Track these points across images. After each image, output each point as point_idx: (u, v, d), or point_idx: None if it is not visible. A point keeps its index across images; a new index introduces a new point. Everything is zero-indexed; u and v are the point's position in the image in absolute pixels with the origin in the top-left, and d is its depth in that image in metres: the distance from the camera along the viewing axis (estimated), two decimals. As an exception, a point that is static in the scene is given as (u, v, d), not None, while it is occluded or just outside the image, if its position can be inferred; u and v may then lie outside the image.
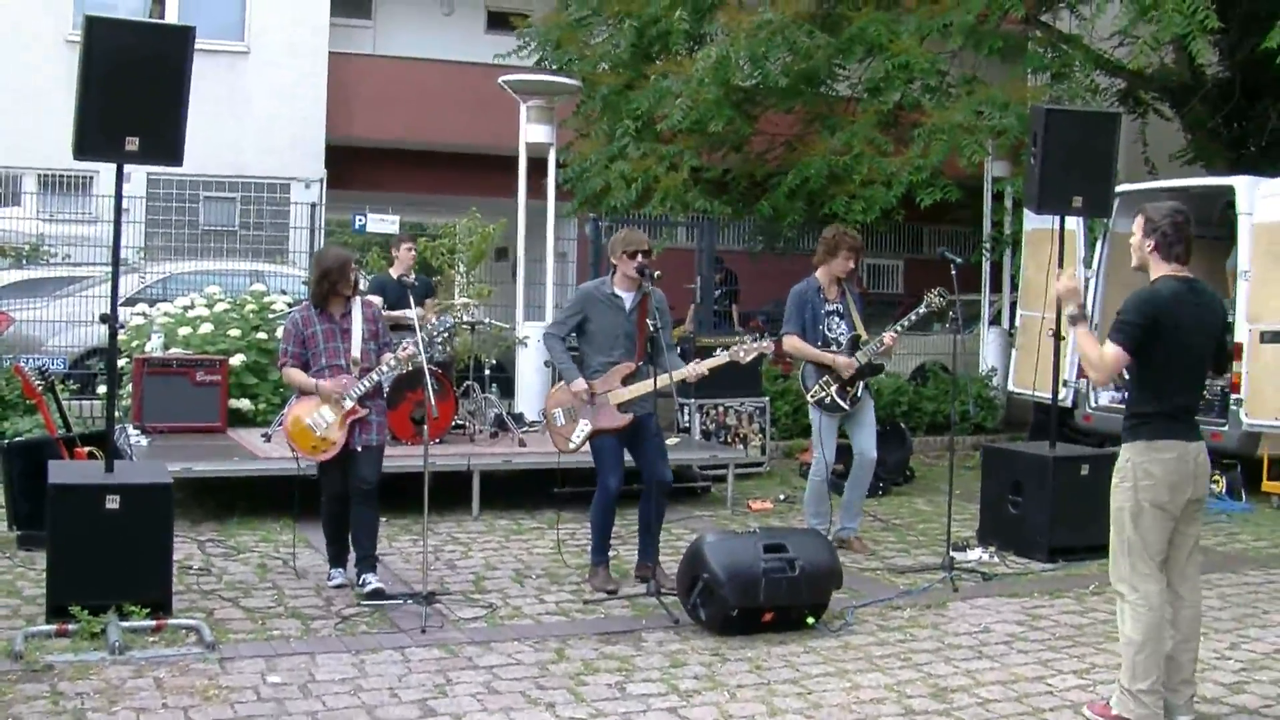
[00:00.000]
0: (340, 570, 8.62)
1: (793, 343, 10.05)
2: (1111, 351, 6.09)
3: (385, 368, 8.41)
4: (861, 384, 10.11)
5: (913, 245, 28.10)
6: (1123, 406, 13.56)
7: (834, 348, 10.03)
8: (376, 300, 11.78)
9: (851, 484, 10.33)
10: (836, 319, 10.15)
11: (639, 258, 8.58)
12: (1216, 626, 8.17)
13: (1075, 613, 8.49)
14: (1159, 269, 6.27)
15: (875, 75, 16.15)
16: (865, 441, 10.19)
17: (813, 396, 10.07)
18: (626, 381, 8.61)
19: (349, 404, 8.32)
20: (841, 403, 10.04)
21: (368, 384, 8.36)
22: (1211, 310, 6.35)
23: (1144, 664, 6.06)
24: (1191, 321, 6.16)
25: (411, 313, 9.08)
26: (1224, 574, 9.73)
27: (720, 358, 8.90)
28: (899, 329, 10.21)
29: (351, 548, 8.64)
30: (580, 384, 8.59)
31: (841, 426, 10.32)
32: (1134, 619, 6.11)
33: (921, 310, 10.25)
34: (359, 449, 8.40)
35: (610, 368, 8.63)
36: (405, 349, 8.44)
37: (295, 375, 8.40)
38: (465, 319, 13.23)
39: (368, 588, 8.34)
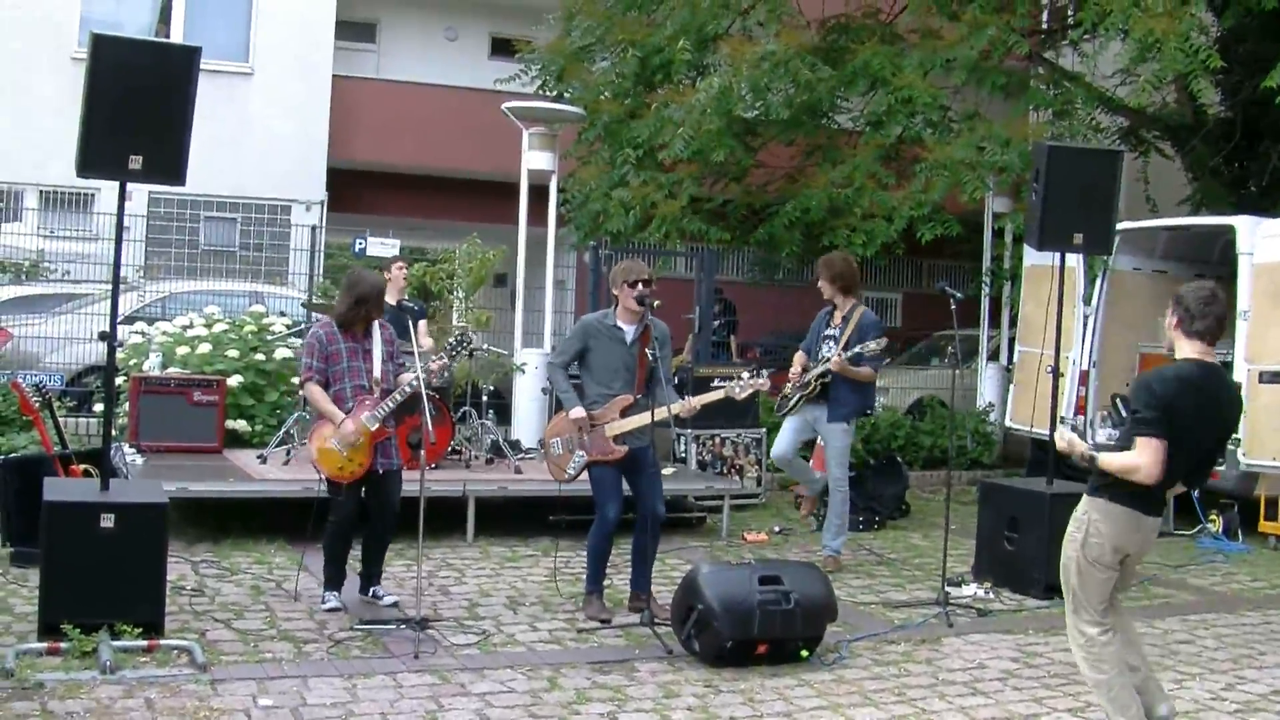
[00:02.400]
0: (335, 594, 8.61)
1: (797, 358, 10.87)
2: (1148, 448, 5.95)
3: (408, 388, 8.42)
4: (800, 396, 10.71)
5: (912, 279, 28.14)
6: (1120, 444, 13.54)
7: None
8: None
9: (829, 505, 10.99)
10: (831, 343, 10.64)
11: (639, 287, 8.59)
12: (1212, 667, 8.17)
13: (1070, 650, 8.45)
14: (1182, 348, 6.22)
15: (877, 108, 16.18)
16: (833, 466, 10.93)
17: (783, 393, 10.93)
18: (625, 414, 8.60)
19: (375, 425, 8.34)
20: (779, 405, 10.99)
21: (393, 404, 8.39)
22: (1220, 405, 6.26)
23: (1119, 698, 6.18)
24: (1196, 413, 6.06)
25: (424, 342, 9.07)
26: (1220, 614, 9.71)
27: (715, 394, 8.98)
28: (841, 356, 10.43)
29: (362, 565, 8.81)
30: (579, 412, 8.59)
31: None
32: (1090, 661, 6.27)
33: (856, 352, 10.47)
34: (381, 471, 8.46)
35: (609, 399, 8.63)
36: (439, 360, 8.66)
37: (318, 395, 8.43)
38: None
39: (388, 598, 8.68)
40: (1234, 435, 6.50)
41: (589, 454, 8.60)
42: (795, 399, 10.70)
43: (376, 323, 8.69)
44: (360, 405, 8.38)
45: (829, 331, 10.70)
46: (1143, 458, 5.95)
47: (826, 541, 10.81)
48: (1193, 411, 6.03)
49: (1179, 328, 6.21)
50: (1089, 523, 6.20)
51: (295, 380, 12.90)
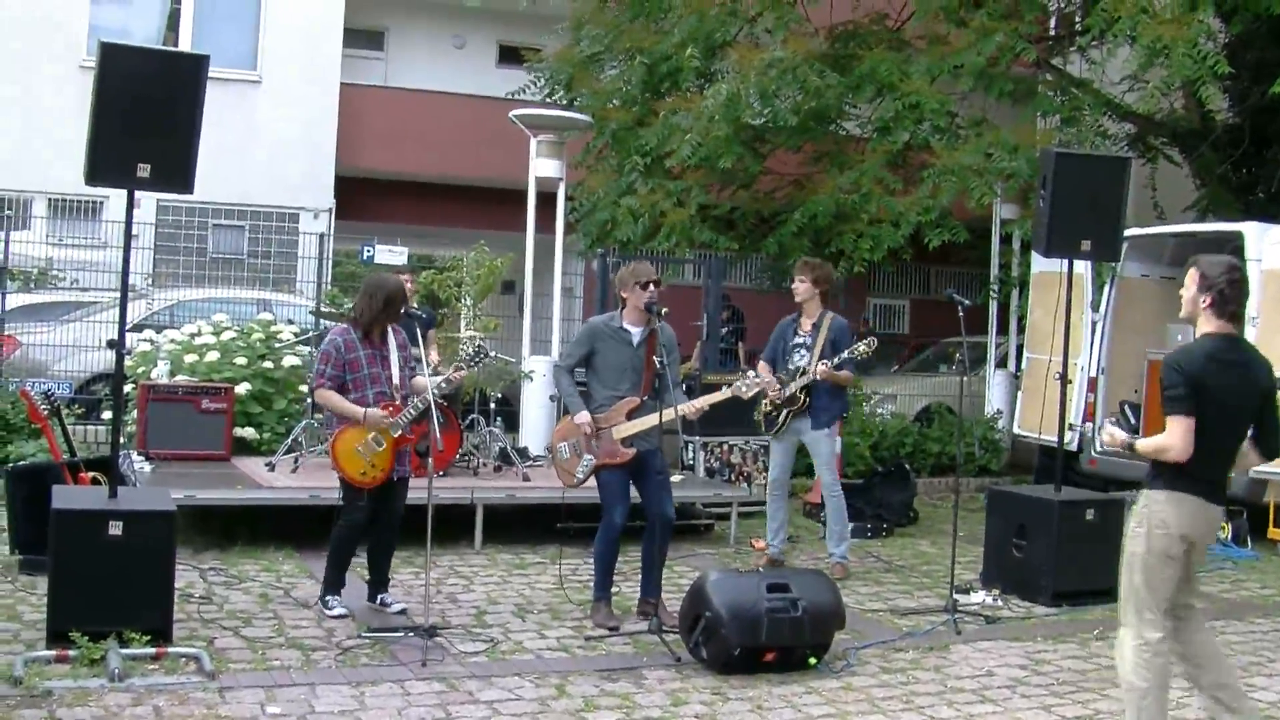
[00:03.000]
0: (338, 599, 8.62)
1: (760, 367, 10.68)
2: (1177, 428, 5.96)
3: (429, 396, 8.43)
4: (787, 411, 10.53)
5: (920, 286, 28.13)
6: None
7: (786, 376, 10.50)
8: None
9: (826, 513, 10.97)
10: (802, 351, 10.57)
11: (650, 288, 8.61)
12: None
13: (1079, 658, 8.46)
14: (1207, 325, 6.18)
15: (885, 115, 16.18)
16: (821, 472, 10.89)
17: (756, 414, 10.79)
18: (631, 416, 8.61)
19: (398, 433, 8.37)
20: (764, 426, 10.76)
21: (414, 411, 8.42)
22: (1253, 370, 6.22)
23: (1150, 710, 6.06)
24: (1227, 382, 6.05)
25: (432, 357, 9.07)
26: (1229, 621, 9.69)
27: (723, 393, 9.05)
28: (827, 364, 10.32)
29: (370, 573, 8.85)
30: (585, 417, 8.60)
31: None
32: (1139, 665, 6.10)
33: (846, 356, 10.40)
34: (396, 479, 8.53)
35: (616, 402, 8.63)
36: (458, 369, 8.76)
37: (335, 400, 8.42)
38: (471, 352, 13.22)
39: (396, 606, 8.71)
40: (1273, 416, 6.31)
41: (597, 457, 8.60)
42: (783, 415, 10.57)
43: (390, 328, 8.70)
44: (379, 410, 8.39)
45: (798, 340, 10.63)
46: (1172, 437, 5.96)
47: (831, 549, 10.79)
48: (1224, 384, 6.03)
49: (1211, 308, 6.16)
50: (1150, 514, 6.13)
51: (303, 388, 12.95)
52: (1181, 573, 6.22)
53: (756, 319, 21.86)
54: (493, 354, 13.22)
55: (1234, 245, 13.37)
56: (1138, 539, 6.17)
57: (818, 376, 10.33)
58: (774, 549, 10.84)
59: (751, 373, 9.78)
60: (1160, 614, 6.15)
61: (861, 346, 10.30)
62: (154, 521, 7.58)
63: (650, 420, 8.57)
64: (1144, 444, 6.12)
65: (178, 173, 7.70)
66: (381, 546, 8.80)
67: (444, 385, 8.66)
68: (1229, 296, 6.14)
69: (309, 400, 12.32)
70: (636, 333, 8.73)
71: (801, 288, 10.67)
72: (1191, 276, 6.25)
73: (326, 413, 8.93)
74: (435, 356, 12.30)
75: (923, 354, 22.18)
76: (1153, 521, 6.12)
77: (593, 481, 8.69)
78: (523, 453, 13.46)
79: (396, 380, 8.59)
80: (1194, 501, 6.09)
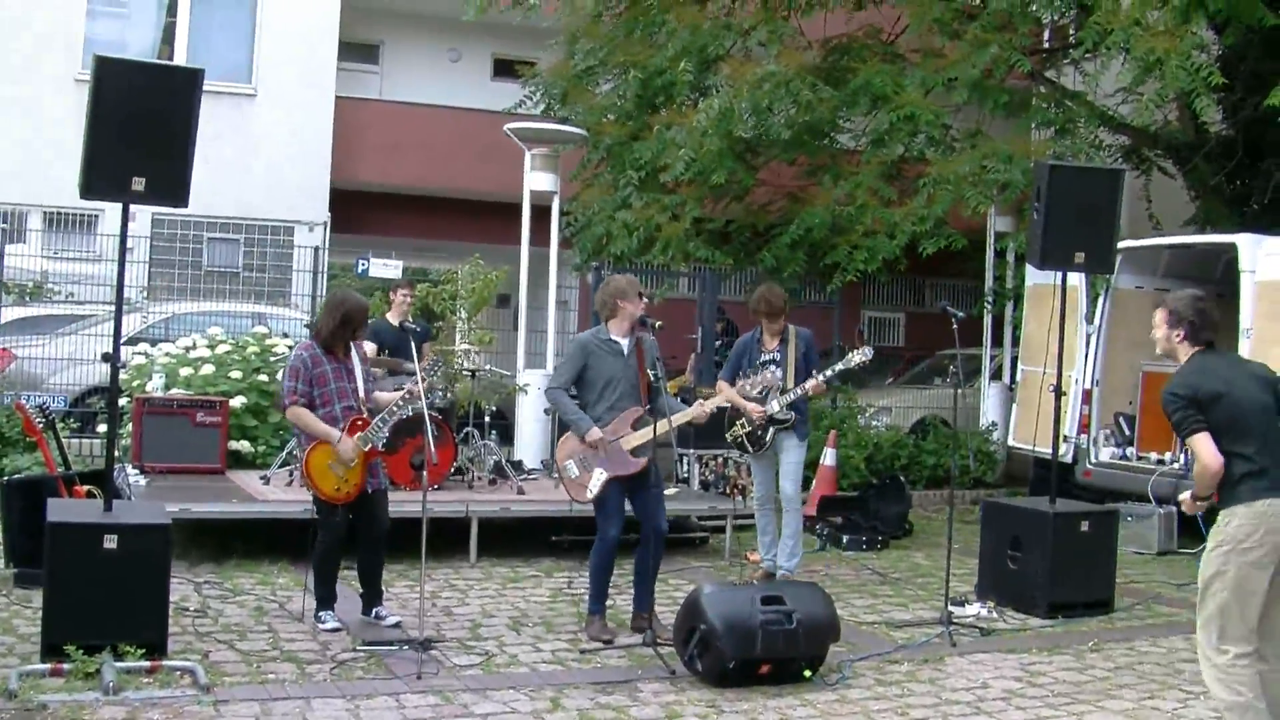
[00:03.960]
0: (331, 613, 8.62)
1: (721, 388, 10.44)
2: (1196, 444, 6.01)
3: (400, 403, 8.47)
4: (771, 429, 10.36)
5: (914, 299, 28.16)
6: (1123, 463, 13.60)
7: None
8: (370, 347, 11.89)
9: (783, 524, 10.69)
10: (773, 367, 10.41)
11: (643, 299, 8.72)
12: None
13: (1074, 669, 8.46)
14: (1187, 353, 6.27)
15: (879, 127, 16.20)
16: (780, 479, 10.60)
17: (730, 436, 10.60)
18: (635, 426, 8.62)
19: (367, 446, 8.39)
20: (749, 445, 10.50)
21: (382, 424, 8.45)
22: (1248, 367, 6.34)
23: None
24: (1225, 380, 6.12)
25: (415, 363, 9.06)
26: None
27: (721, 398, 9.20)
28: (823, 376, 10.31)
29: (362, 587, 8.83)
30: (596, 433, 8.58)
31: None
32: (1226, 682, 6.09)
33: (839, 367, 10.38)
34: (370, 491, 8.51)
35: (617, 414, 8.64)
36: (415, 384, 8.58)
37: (307, 418, 8.42)
38: (466, 365, 13.25)
39: (391, 619, 8.68)
40: None
41: (608, 470, 8.60)
42: (770, 434, 10.41)
43: (353, 343, 8.73)
44: (352, 426, 8.41)
45: (766, 356, 10.51)
46: (1201, 455, 6.01)
47: (783, 564, 10.61)
48: (1223, 384, 6.09)
49: (1186, 340, 6.25)
50: (1236, 529, 6.06)
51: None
52: (1271, 591, 6.16)
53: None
54: (479, 364, 13.28)
55: (1228, 257, 13.42)
56: (1221, 553, 6.12)
57: (813, 391, 10.32)
58: (768, 562, 10.79)
59: (755, 375, 9.89)
60: (1248, 628, 6.11)
61: (857, 357, 10.26)
62: (149, 535, 7.57)
63: (659, 425, 8.58)
64: (1198, 483, 6.17)
65: (173, 186, 7.71)
66: (369, 560, 8.78)
67: (406, 401, 8.62)
68: (1200, 325, 6.25)
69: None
70: (625, 343, 8.76)
71: (775, 325, 10.57)
72: (1160, 317, 6.36)
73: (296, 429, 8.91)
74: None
75: (917, 366, 22.19)
76: (1239, 535, 6.06)
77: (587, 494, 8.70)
78: (517, 466, 13.48)
79: (363, 394, 8.63)
80: (1263, 502, 6.06)
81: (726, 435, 10.63)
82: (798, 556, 10.70)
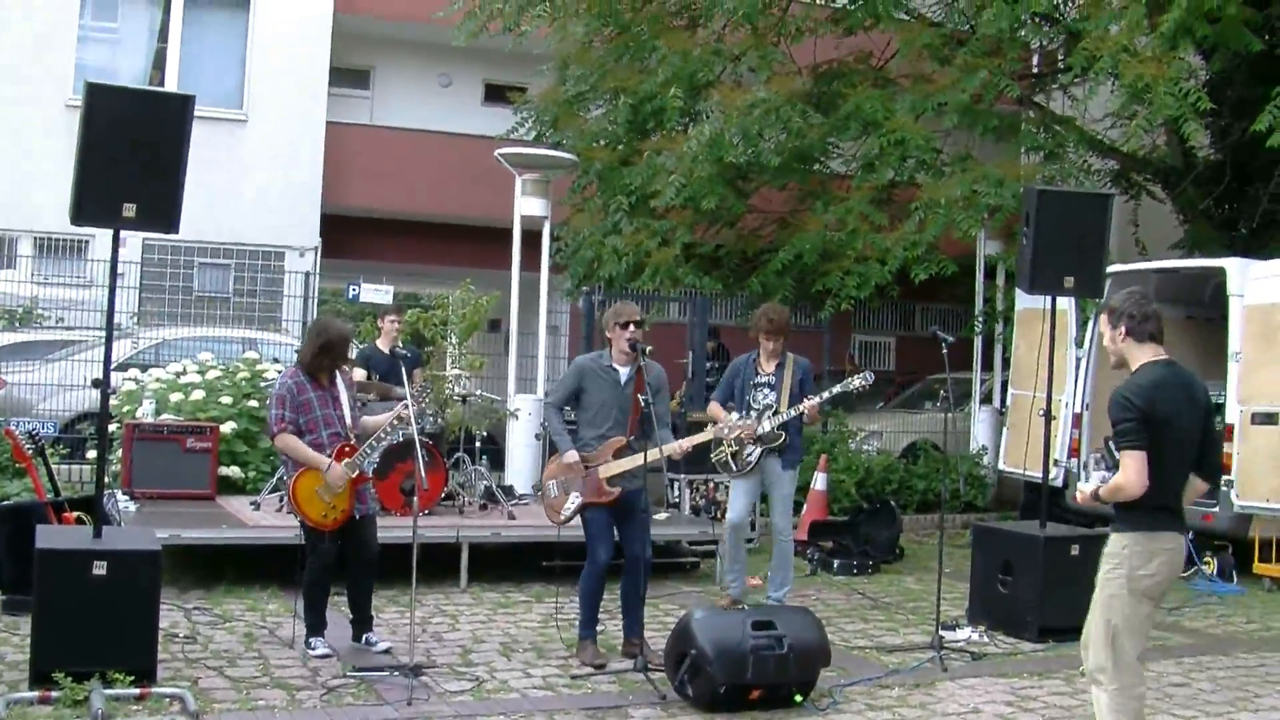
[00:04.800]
0: (321, 640, 8.61)
1: (711, 409, 10.48)
2: (1131, 463, 5.93)
3: (389, 429, 8.49)
4: (757, 451, 10.26)
5: (905, 323, 28.18)
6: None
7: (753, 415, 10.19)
8: (359, 373, 11.89)
9: (774, 556, 10.63)
10: (766, 390, 10.41)
11: (630, 328, 8.64)
12: (1208, 710, 8.16)
13: (1065, 694, 8.46)
14: (1137, 355, 6.19)
15: (869, 152, 16.24)
16: (773, 514, 10.55)
17: (714, 457, 10.47)
18: (618, 456, 8.62)
19: (355, 472, 8.39)
20: (733, 465, 10.38)
21: (369, 450, 8.46)
22: (1195, 394, 6.20)
23: None
24: (1176, 408, 6.04)
25: (405, 388, 9.05)
26: (1215, 656, 9.71)
27: (705, 434, 9.15)
28: (818, 399, 10.25)
29: (352, 613, 8.81)
30: (573, 455, 8.62)
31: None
32: (1114, 709, 6.02)
33: (837, 390, 10.33)
34: (358, 517, 8.50)
35: (602, 441, 8.65)
36: (404, 406, 8.57)
37: (296, 444, 8.42)
38: (457, 391, 13.25)
39: (381, 645, 8.67)
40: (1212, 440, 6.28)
41: (583, 496, 8.61)
42: (757, 453, 10.33)
43: (338, 370, 8.74)
44: (339, 453, 8.41)
45: (761, 379, 10.46)
46: (1127, 473, 5.93)
47: (771, 593, 10.56)
48: (1172, 410, 6.01)
49: (1130, 336, 6.20)
50: (1130, 556, 6.03)
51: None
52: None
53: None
54: (470, 389, 13.29)
55: (1217, 281, 13.46)
56: (1116, 581, 6.07)
57: (809, 415, 10.28)
58: (735, 590, 10.61)
59: (736, 414, 9.83)
60: (1139, 651, 6.10)
61: (856, 381, 10.19)
62: (139, 561, 7.57)
63: (636, 460, 8.59)
64: (1104, 489, 6.09)
65: (163, 212, 7.72)
66: (359, 586, 8.78)
67: (396, 426, 8.63)
68: (1139, 317, 6.17)
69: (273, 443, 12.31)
70: (624, 372, 8.76)
71: (766, 341, 10.47)
72: (1103, 320, 6.34)
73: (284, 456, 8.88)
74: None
75: (908, 391, 22.20)
76: (1133, 563, 6.03)
77: (578, 520, 8.70)
78: (508, 491, 13.45)
79: (349, 421, 8.62)
80: (1169, 537, 6.08)
81: (711, 456, 10.53)
82: (788, 585, 10.65)
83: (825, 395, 10.27)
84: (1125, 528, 6.11)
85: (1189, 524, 12.78)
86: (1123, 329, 6.20)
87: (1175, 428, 6.02)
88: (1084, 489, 6.27)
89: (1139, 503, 5.99)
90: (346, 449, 8.45)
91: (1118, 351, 6.30)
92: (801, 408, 10.16)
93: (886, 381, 24.44)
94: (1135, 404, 5.97)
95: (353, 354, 12.56)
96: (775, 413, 10.26)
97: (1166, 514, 6.09)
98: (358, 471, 8.45)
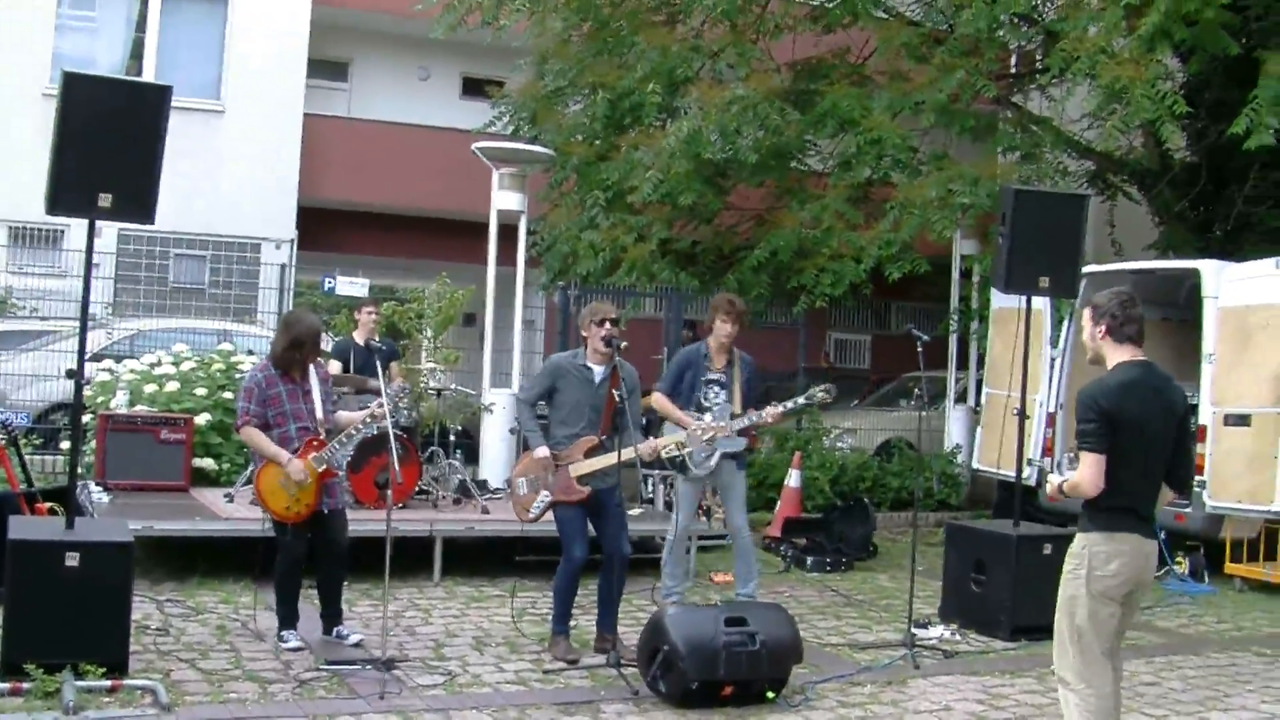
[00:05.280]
0: (293, 632, 8.60)
1: (659, 400, 10.04)
2: (1087, 464, 5.93)
3: (361, 425, 8.48)
4: (718, 454, 9.92)
5: (880, 321, 28.24)
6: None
7: (707, 415, 9.91)
8: (335, 365, 11.86)
9: (734, 555, 10.35)
10: (717, 388, 10.10)
11: (606, 325, 8.62)
12: (1179, 709, 8.20)
13: (1037, 692, 8.48)
14: (1113, 355, 6.17)
15: (846, 150, 16.27)
16: (733, 514, 10.26)
17: (667, 454, 9.85)
18: (589, 454, 8.63)
19: (322, 467, 8.37)
20: (691, 465, 9.97)
21: (339, 446, 8.45)
22: (1169, 399, 6.17)
23: None
24: (1145, 410, 6.01)
25: (380, 381, 9.03)
26: (1186, 656, 9.75)
27: (678, 436, 9.15)
28: (782, 409, 9.88)
29: (321, 606, 8.78)
30: (544, 451, 8.62)
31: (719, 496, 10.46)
32: (1081, 709, 6.01)
33: (801, 401, 10.03)
34: (327, 511, 8.46)
35: (574, 440, 8.65)
36: (378, 405, 8.52)
37: (259, 438, 8.40)
38: (431, 384, 13.23)
39: (354, 638, 8.67)
40: (1185, 447, 6.26)
41: (553, 494, 8.61)
42: (714, 457, 9.94)
43: (312, 364, 8.71)
44: (307, 446, 8.39)
45: (713, 375, 10.10)
46: (1082, 473, 5.94)
47: (740, 589, 10.30)
48: (1141, 412, 5.99)
49: (1108, 335, 6.17)
50: (1090, 556, 6.02)
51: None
52: (1123, 614, 6.16)
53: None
54: (444, 383, 13.27)
55: (1191, 283, 13.52)
56: (1077, 581, 6.06)
57: (772, 421, 10.09)
58: (678, 595, 10.25)
59: (708, 416, 9.77)
60: (1103, 653, 6.07)
61: (820, 394, 10.09)
62: (111, 553, 7.54)
63: (607, 459, 8.58)
64: (1066, 485, 6.10)
65: (139, 203, 7.69)
66: (329, 580, 8.76)
67: (368, 423, 8.61)
68: (1121, 318, 6.15)
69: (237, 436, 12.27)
70: (599, 371, 8.75)
71: (727, 327, 10.07)
72: (1085, 316, 6.31)
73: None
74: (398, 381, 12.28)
75: (883, 389, 22.24)
76: (1092, 563, 6.02)
77: (551, 515, 8.70)
78: (482, 485, 13.45)
79: (320, 415, 8.59)
80: (1129, 539, 6.04)
81: (664, 455, 9.84)
82: (755, 578, 10.47)
83: (789, 405, 10.08)
84: (1089, 527, 6.10)
85: (1162, 524, 12.84)
86: (1103, 327, 6.19)
87: (1143, 431, 5.99)
88: (1052, 481, 6.27)
89: (1100, 503, 6.00)
90: (315, 443, 8.43)
91: (1095, 349, 6.29)
92: (765, 416, 9.83)
93: (862, 379, 24.51)
94: (1100, 405, 5.96)
95: (327, 347, 12.56)
96: (732, 416, 9.87)
97: (1130, 516, 6.05)
98: (325, 466, 8.41)
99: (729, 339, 10.11)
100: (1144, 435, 6.00)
